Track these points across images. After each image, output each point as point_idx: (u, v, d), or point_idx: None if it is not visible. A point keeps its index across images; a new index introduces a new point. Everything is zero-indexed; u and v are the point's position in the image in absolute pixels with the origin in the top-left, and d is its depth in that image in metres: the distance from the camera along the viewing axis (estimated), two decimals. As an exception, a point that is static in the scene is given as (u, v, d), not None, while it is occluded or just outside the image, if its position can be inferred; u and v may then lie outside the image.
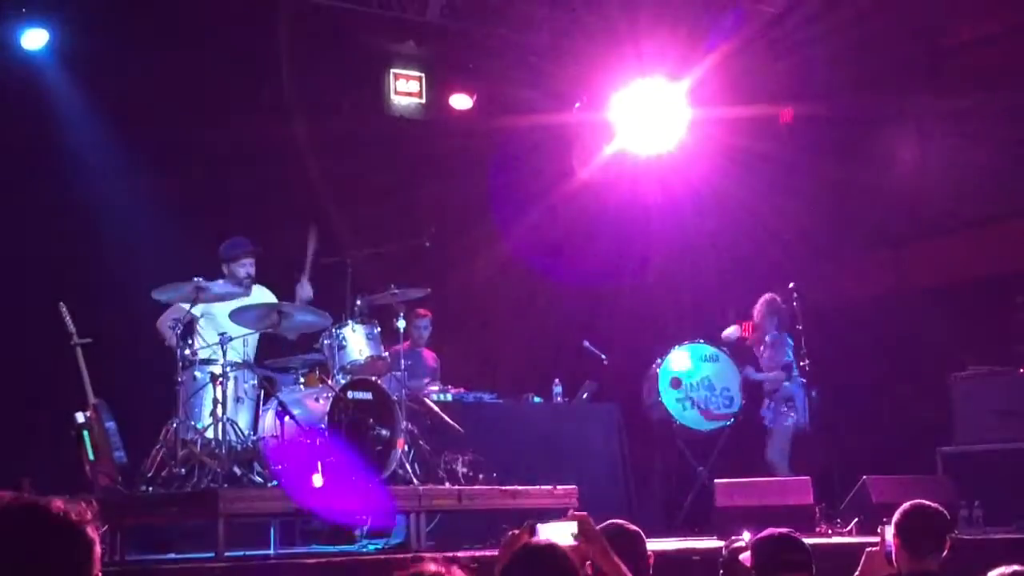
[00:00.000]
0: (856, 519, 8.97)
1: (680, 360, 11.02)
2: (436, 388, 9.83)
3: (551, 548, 3.18)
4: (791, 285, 10.61)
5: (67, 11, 9.97)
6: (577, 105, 12.57)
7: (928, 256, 11.51)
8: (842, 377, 10.99)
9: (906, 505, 4.95)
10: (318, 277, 9.08)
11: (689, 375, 10.98)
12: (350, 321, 8.41)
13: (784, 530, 4.59)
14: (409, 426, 8.30)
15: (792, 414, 10.44)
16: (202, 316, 8.35)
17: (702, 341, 11.18)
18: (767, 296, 10.76)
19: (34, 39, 9.92)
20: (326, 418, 7.73)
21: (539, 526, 3.43)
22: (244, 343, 8.24)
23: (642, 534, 4.31)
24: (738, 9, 11.90)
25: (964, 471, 9.70)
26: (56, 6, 9.94)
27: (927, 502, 5.04)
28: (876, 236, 12.00)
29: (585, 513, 3.48)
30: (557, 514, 7.79)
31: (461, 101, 12.07)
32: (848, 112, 12.46)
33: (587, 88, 12.50)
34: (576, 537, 3.39)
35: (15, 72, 9.86)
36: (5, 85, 9.75)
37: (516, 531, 3.44)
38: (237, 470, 7.62)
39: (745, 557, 4.67)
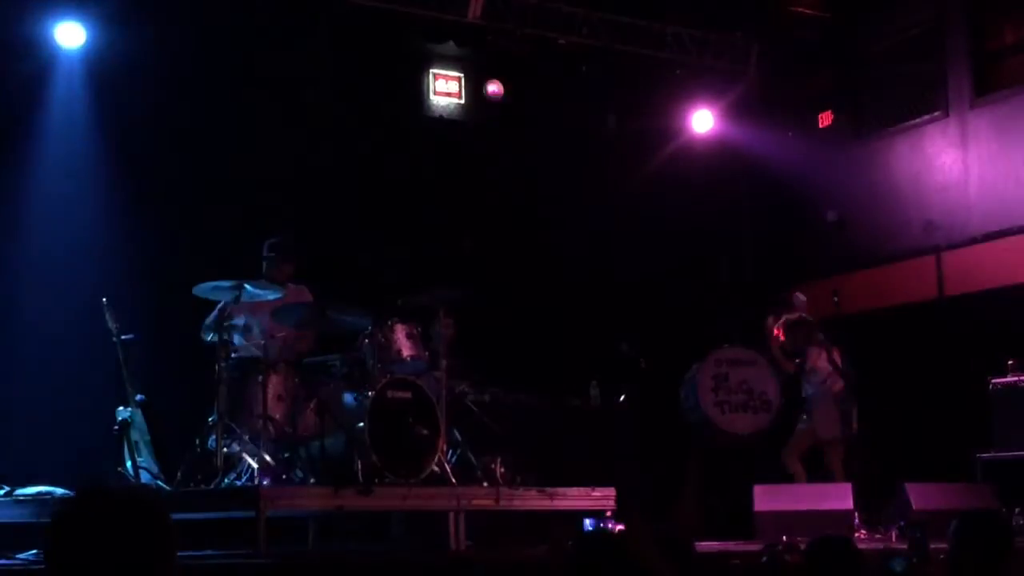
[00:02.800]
0: (896, 526, 8.93)
1: (716, 363, 10.97)
2: (472, 389, 9.82)
3: (617, 537, 3.18)
4: (832, 290, 10.57)
5: (105, 7, 10.04)
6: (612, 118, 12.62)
7: (969, 262, 11.42)
8: (881, 383, 10.91)
9: (969, 512, 4.82)
10: (352, 281, 9.14)
11: (724, 378, 10.94)
12: (390, 321, 8.42)
13: (838, 535, 4.54)
14: (448, 426, 8.30)
15: (804, 416, 10.43)
16: (243, 314, 8.38)
17: (740, 344, 11.13)
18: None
19: (71, 36, 9.99)
20: (366, 417, 7.74)
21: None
22: (285, 341, 8.28)
23: (691, 539, 4.28)
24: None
25: (1004, 478, 9.62)
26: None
27: (988, 508, 4.96)
28: (917, 241, 11.93)
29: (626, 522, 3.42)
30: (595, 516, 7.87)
31: (495, 89, 12.05)
32: (889, 115, 12.45)
33: (625, 90, 12.54)
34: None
35: (54, 67, 9.92)
36: (43, 80, 9.82)
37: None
38: (277, 467, 7.65)
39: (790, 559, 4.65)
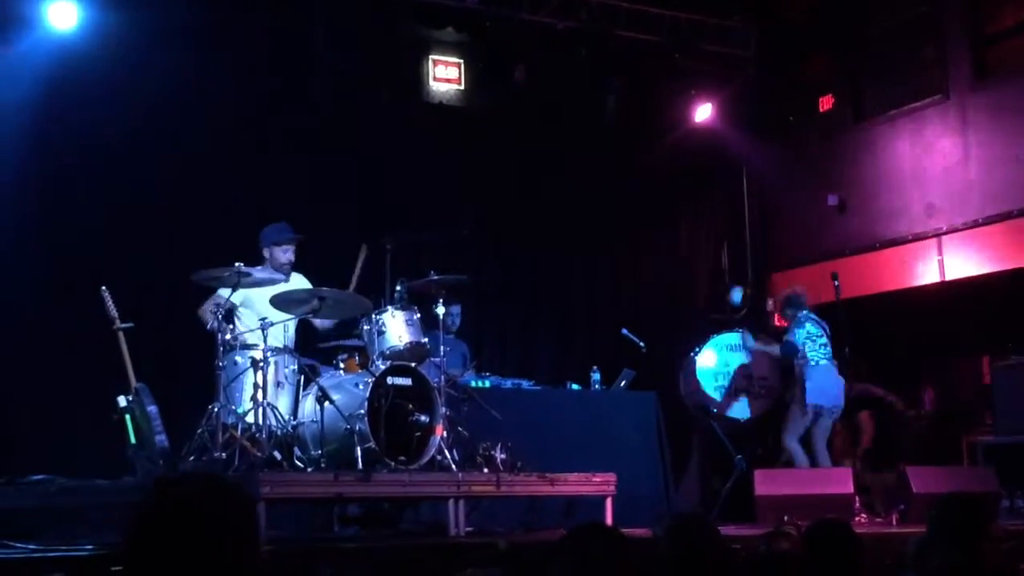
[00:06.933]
0: (897, 509, 8.93)
1: (717, 348, 10.98)
2: (471, 374, 9.81)
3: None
4: (833, 274, 10.57)
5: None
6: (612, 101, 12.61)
7: (970, 245, 11.41)
8: (880, 366, 10.92)
9: (945, 494, 4.85)
10: (352, 267, 9.10)
11: (726, 363, 10.95)
12: (390, 307, 8.39)
13: (835, 518, 4.53)
14: (448, 412, 8.29)
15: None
16: (242, 301, 8.37)
17: (739, 329, 11.14)
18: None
19: (64, 17, 9.84)
20: (365, 404, 7.73)
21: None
22: (284, 328, 8.26)
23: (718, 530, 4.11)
24: None
25: (1005, 461, 9.63)
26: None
27: (967, 491, 4.96)
28: (917, 225, 11.92)
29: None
30: (596, 501, 7.86)
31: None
32: (889, 99, 12.43)
33: (624, 76, 12.52)
34: None
35: (50, 52, 9.83)
36: (39, 65, 9.75)
37: None
38: (277, 455, 7.63)
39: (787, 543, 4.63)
